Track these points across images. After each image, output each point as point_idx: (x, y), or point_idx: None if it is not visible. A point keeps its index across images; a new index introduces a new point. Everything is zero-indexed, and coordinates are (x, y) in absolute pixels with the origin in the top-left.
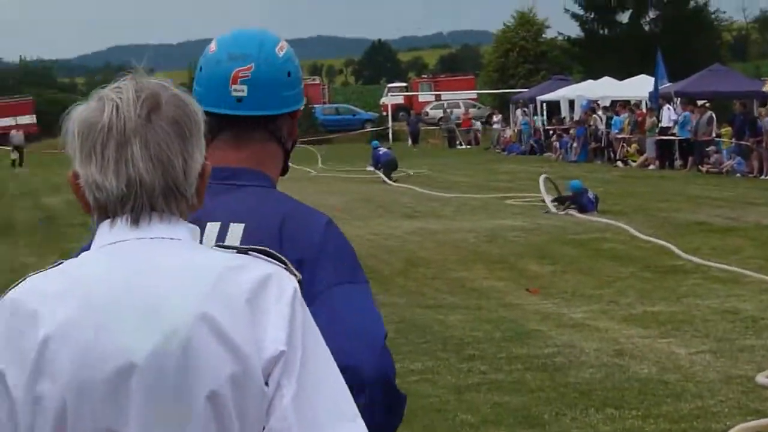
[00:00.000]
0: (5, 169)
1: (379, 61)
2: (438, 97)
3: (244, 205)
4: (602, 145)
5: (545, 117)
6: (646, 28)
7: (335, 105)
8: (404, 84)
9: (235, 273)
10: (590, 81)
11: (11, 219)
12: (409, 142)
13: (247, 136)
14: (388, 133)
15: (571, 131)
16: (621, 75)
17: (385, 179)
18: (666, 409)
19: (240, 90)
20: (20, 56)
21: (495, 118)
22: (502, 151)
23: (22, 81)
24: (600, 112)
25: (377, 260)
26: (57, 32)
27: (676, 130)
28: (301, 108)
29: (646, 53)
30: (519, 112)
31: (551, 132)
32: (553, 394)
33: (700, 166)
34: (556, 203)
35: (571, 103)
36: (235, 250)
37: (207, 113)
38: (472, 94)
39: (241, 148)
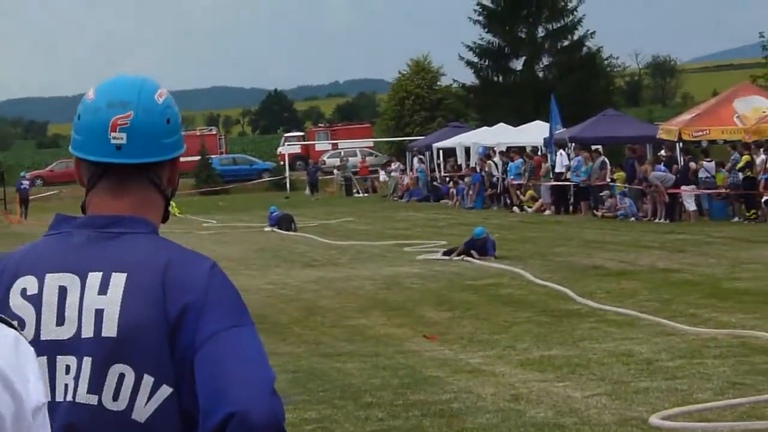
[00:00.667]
0: None
1: (275, 111)
2: (335, 146)
3: (126, 254)
4: (498, 191)
5: (442, 163)
6: (540, 74)
7: (232, 155)
8: (301, 133)
9: None
10: (486, 128)
11: None
12: (307, 191)
13: (126, 184)
14: (285, 183)
15: (467, 178)
16: (516, 121)
17: (284, 232)
18: None
19: (119, 138)
20: None
21: (393, 166)
22: (400, 198)
23: None
24: (496, 159)
25: (274, 309)
26: None
27: (569, 175)
28: (180, 155)
29: (540, 99)
30: (416, 159)
31: (447, 179)
32: None
33: (595, 211)
34: (447, 256)
35: (467, 149)
36: None
37: (86, 161)
38: (369, 142)
39: (121, 196)
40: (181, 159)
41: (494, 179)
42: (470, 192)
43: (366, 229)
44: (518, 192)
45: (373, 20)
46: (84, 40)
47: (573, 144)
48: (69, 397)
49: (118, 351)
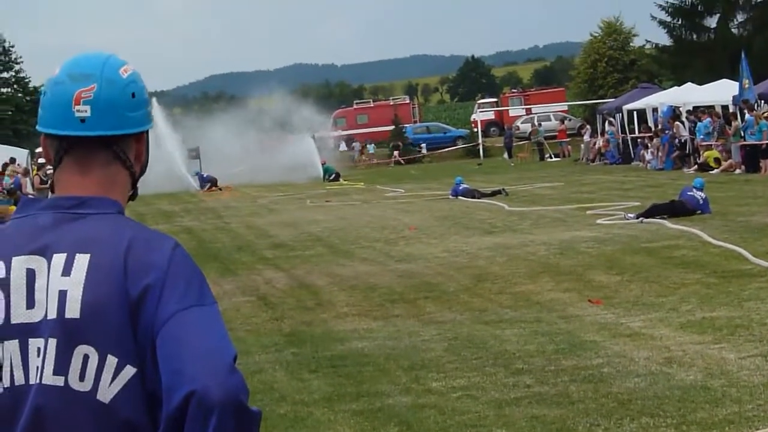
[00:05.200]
0: None
1: (473, 78)
2: (528, 111)
3: (90, 235)
4: (688, 151)
5: (635, 125)
6: (735, 31)
7: (426, 123)
8: (495, 99)
9: None
10: (675, 88)
11: None
12: (505, 155)
13: (92, 159)
14: (479, 150)
15: (655, 140)
16: (711, 80)
17: (469, 200)
18: (701, 415)
19: (83, 110)
20: None
21: (583, 130)
22: (591, 162)
23: None
24: (684, 119)
25: (444, 277)
26: (154, 65)
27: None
28: (147, 131)
29: (736, 57)
30: (606, 122)
31: (638, 141)
32: (593, 405)
33: None
34: (643, 216)
35: (656, 110)
36: None
37: (51, 136)
38: (563, 106)
39: (87, 171)
40: (376, 128)
41: (683, 139)
42: (659, 153)
43: (551, 194)
44: (701, 152)
45: None
46: (277, 13)
47: (763, 101)
48: (38, 380)
49: (82, 332)
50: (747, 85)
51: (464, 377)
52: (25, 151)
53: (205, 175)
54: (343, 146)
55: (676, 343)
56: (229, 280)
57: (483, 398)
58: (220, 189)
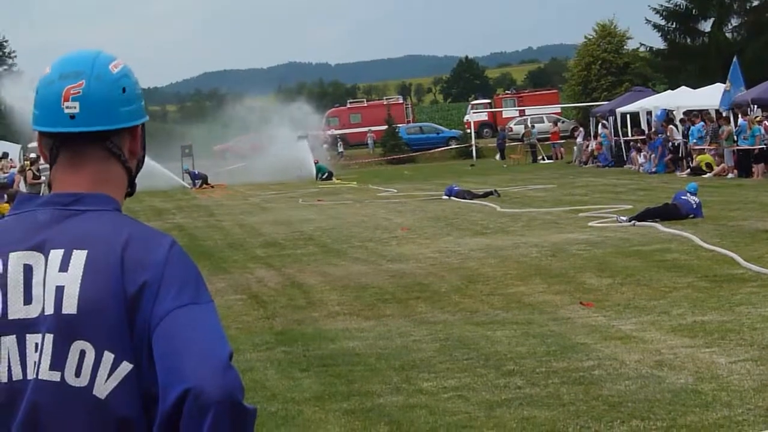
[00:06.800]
0: None
1: (467, 79)
2: (522, 113)
3: (87, 231)
4: (681, 155)
5: (629, 128)
6: (729, 36)
7: (419, 124)
8: (488, 101)
9: None
10: (669, 92)
11: None
12: (498, 156)
13: (84, 155)
14: (471, 151)
15: (650, 142)
16: (704, 84)
17: (462, 200)
18: (692, 419)
19: (72, 107)
20: None
21: (576, 132)
22: (584, 164)
23: None
24: (677, 122)
25: (436, 278)
26: (148, 62)
27: (748, 140)
28: (140, 125)
29: (729, 62)
30: (599, 125)
31: (630, 144)
32: (584, 408)
33: None
34: (635, 219)
35: (650, 114)
36: None
37: (45, 134)
38: (556, 108)
39: (80, 168)
40: (370, 128)
41: (676, 143)
42: (653, 156)
43: (543, 196)
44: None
45: None
46: (272, 11)
47: (756, 106)
48: (35, 375)
49: (79, 328)
50: (729, 88)
51: (455, 378)
52: (18, 146)
53: (196, 172)
54: (340, 147)
55: (667, 347)
56: (221, 278)
57: (474, 399)
58: (212, 186)
